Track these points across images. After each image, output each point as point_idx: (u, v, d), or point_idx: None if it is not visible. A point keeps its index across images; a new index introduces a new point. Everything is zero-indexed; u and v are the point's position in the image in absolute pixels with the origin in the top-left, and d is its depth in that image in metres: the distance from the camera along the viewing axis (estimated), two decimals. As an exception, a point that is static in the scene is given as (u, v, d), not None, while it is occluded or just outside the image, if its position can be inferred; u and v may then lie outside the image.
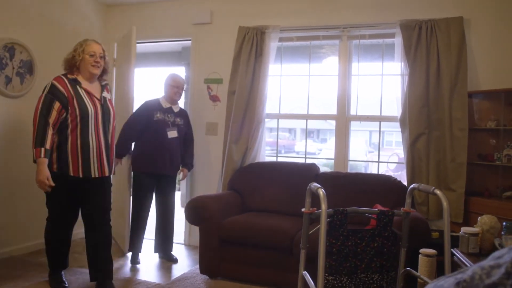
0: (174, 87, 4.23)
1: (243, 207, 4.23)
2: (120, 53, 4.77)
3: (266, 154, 4.80)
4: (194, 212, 3.80)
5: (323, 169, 4.55)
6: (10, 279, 3.57)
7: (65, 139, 3.08)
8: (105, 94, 3.32)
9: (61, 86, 3.09)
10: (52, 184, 3.02)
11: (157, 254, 4.41)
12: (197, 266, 3.91)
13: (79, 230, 3.92)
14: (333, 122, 4.51)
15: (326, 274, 2.41)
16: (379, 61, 4.43)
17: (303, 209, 2.45)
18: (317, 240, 2.25)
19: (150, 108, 4.17)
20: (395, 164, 6.43)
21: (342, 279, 2.45)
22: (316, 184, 2.31)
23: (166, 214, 4.34)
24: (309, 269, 2.59)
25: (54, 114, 3.02)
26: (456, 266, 2.74)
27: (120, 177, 4.32)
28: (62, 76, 3.15)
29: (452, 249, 2.86)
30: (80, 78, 3.20)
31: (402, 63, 4.10)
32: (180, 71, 6.36)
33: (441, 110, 3.96)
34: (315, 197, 2.50)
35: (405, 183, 4.08)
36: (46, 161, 2.99)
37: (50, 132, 3.00)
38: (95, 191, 3.27)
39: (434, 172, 3.97)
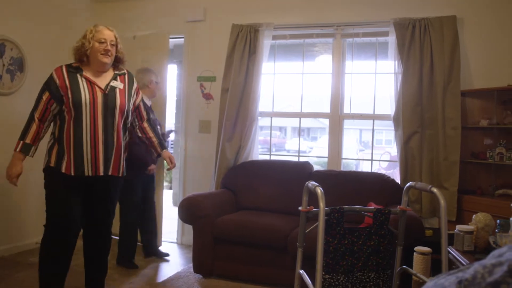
0: (157, 82, 4.21)
1: (236, 206, 4.21)
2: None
3: (258, 152, 4.79)
4: (188, 211, 3.77)
5: (316, 167, 4.55)
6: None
7: (62, 132, 2.78)
8: (114, 83, 2.90)
9: (57, 75, 2.79)
10: (16, 184, 2.83)
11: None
12: (191, 265, 3.89)
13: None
14: (324, 121, 4.52)
15: (323, 273, 2.40)
16: (372, 60, 4.44)
17: (300, 208, 2.44)
18: (314, 238, 2.25)
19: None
20: (387, 162, 6.45)
21: (338, 277, 2.44)
22: (313, 182, 2.30)
23: (147, 211, 4.27)
24: (305, 268, 2.58)
25: (41, 105, 2.77)
26: (451, 263, 2.75)
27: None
28: (63, 65, 2.85)
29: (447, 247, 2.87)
30: (87, 68, 2.85)
31: (396, 62, 4.11)
32: (172, 69, 6.32)
33: (434, 108, 3.98)
34: (311, 195, 2.49)
35: (398, 181, 4.09)
36: (21, 156, 2.77)
37: (34, 125, 2.77)
38: (98, 193, 2.95)
39: (427, 170, 3.99)
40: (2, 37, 4.09)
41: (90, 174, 2.79)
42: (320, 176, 4.12)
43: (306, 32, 4.53)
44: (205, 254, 3.76)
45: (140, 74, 4.09)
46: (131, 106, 3.02)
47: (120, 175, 2.96)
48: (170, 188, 8.01)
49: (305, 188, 2.45)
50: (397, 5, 4.19)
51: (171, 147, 6.75)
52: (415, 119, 3.99)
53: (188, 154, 4.92)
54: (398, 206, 2.68)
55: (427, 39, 3.97)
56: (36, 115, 2.78)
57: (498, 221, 2.76)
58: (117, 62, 2.98)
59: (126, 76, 3.00)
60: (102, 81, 2.85)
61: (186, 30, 4.91)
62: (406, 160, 4.05)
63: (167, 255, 4.35)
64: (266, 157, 4.84)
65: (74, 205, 2.85)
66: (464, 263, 2.56)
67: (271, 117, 4.79)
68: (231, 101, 4.48)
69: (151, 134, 3.20)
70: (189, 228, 4.13)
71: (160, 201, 4.65)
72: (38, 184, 3.17)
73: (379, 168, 6.14)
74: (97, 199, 2.96)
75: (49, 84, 2.79)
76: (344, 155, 4.53)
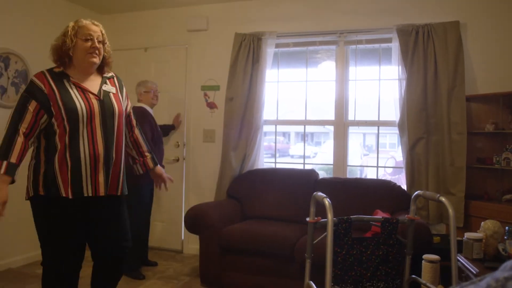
0: (148, 93, 4.25)
1: (242, 215, 4.20)
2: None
3: (263, 160, 4.79)
4: (194, 221, 3.77)
5: (321, 173, 4.54)
6: (8, 292, 3.52)
7: (53, 150, 2.29)
8: (106, 87, 2.48)
9: (40, 81, 2.31)
10: (3, 214, 2.28)
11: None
12: (197, 274, 3.88)
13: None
14: (328, 126, 4.51)
15: (332, 284, 2.39)
16: (376, 65, 4.44)
17: (307, 219, 2.43)
18: (322, 249, 2.24)
19: (151, 117, 4.18)
20: (393, 168, 6.42)
21: (347, 288, 2.43)
22: (321, 193, 2.29)
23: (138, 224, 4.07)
24: (313, 278, 2.57)
25: (28, 117, 2.25)
26: (460, 271, 2.74)
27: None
28: (45, 71, 2.38)
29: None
30: (71, 72, 2.39)
31: (400, 68, 4.10)
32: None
33: (439, 114, 3.97)
34: (318, 205, 2.48)
35: (403, 186, 4.08)
36: (7, 179, 2.21)
37: (19, 141, 2.23)
38: (102, 217, 2.47)
39: (434, 176, 3.97)
40: (7, 50, 4.11)
41: (90, 195, 2.35)
42: (325, 184, 4.11)
43: (309, 40, 4.53)
44: (212, 265, 3.75)
45: (136, 88, 4.31)
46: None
47: (120, 193, 2.52)
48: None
49: (312, 199, 2.44)
50: (399, 11, 4.19)
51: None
52: (420, 125, 3.98)
53: (193, 164, 4.92)
54: (406, 215, 2.66)
55: (430, 45, 3.97)
56: (22, 129, 2.26)
57: (507, 228, 2.75)
58: (103, 64, 2.53)
59: (115, 79, 2.60)
60: (92, 86, 2.43)
61: (189, 39, 4.92)
62: (412, 166, 4.03)
63: (156, 264, 4.38)
64: (271, 164, 4.84)
65: (76, 240, 2.40)
66: (474, 271, 2.54)
67: (276, 125, 4.79)
68: (235, 109, 4.48)
69: (143, 146, 2.73)
70: (193, 237, 4.12)
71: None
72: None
73: (385, 173, 6.12)
74: (102, 224, 2.47)
75: (32, 92, 2.29)
76: (349, 159, 4.52)
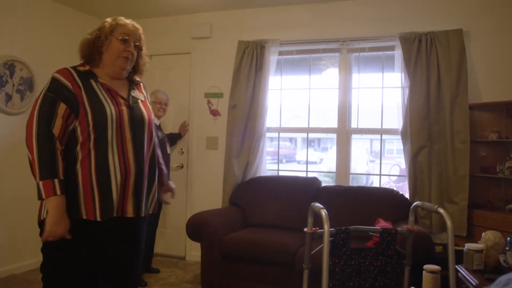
0: (156, 103, 4.28)
1: (244, 222, 4.20)
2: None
3: (267, 164, 4.79)
4: (195, 229, 3.78)
5: (326, 180, 4.53)
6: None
7: (73, 162, 1.92)
8: (134, 93, 2.15)
9: (66, 79, 1.95)
10: (69, 237, 1.87)
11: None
12: (199, 282, 3.88)
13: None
14: (331, 134, 4.53)
15: (330, 294, 2.38)
16: (379, 73, 4.43)
17: (305, 229, 2.43)
18: (320, 259, 2.23)
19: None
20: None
21: (345, 299, 2.42)
22: (318, 204, 2.29)
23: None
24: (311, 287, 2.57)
25: (58, 123, 1.88)
26: (461, 283, 2.72)
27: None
28: (69, 68, 2.02)
29: (456, 266, 2.84)
30: (98, 72, 2.06)
31: (402, 76, 4.09)
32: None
33: (442, 122, 3.95)
34: (317, 215, 2.48)
35: (407, 195, 4.06)
36: (63, 200, 1.85)
37: (58, 149, 1.88)
38: (119, 240, 2.05)
39: (437, 185, 3.95)
40: (12, 58, 4.16)
41: (117, 215, 1.98)
42: (328, 192, 4.11)
43: (312, 48, 4.53)
44: (213, 272, 3.75)
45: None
46: None
47: (154, 211, 2.22)
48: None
49: (310, 209, 2.44)
50: (402, 19, 4.18)
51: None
52: (423, 133, 3.96)
53: (196, 171, 4.93)
54: (404, 226, 2.65)
55: (433, 52, 3.95)
56: (57, 134, 1.89)
57: (508, 238, 2.72)
58: (134, 71, 2.21)
59: (142, 87, 2.27)
60: (121, 90, 2.10)
61: (193, 47, 4.95)
62: (415, 175, 4.02)
63: (158, 271, 4.39)
64: (275, 170, 4.85)
65: (92, 273, 1.99)
66: (474, 283, 2.52)
67: (279, 132, 4.79)
68: (238, 117, 4.49)
69: (161, 161, 2.36)
70: (195, 244, 4.13)
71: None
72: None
73: (389, 181, 6.09)
74: (115, 248, 2.04)
75: (59, 92, 1.92)
76: (354, 166, 4.52)
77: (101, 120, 1.94)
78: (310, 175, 4.59)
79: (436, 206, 2.33)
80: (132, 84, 2.17)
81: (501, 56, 3.92)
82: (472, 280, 2.56)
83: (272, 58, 4.49)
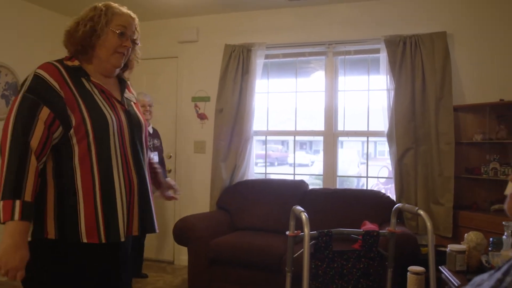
0: (140, 107, 4.15)
1: (232, 226, 4.20)
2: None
3: (257, 166, 4.80)
4: (182, 233, 3.77)
5: (316, 182, 4.54)
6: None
7: (70, 178, 1.61)
8: (127, 94, 1.87)
9: (53, 77, 1.62)
10: (21, 277, 1.51)
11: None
12: (187, 286, 3.87)
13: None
14: (318, 136, 4.54)
15: (312, 297, 2.38)
16: (365, 75, 4.45)
17: (287, 232, 2.43)
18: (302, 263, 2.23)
19: None
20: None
21: (328, 301, 2.42)
22: (299, 207, 2.30)
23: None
24: (296, 291, 2.57)
25: (38, 130, 1.54)
26: (444, 284, 2.73)
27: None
28: (55, 63, 1.69)
29: (440, 267, 2.85)
30: (88, 69, 1.73)
31: (388, 78, 4.11)
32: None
33: (427, 124, 3.97)
34: (299, 218, 2.48)
35: (394, 197, 4.08)
36: (24, 227, 1.49)
37: (32, 165, 1.52)
38: (118, 265, 1.78)
39: (422, 186, 3.97)
40: (-3, 64, 4.14)
41: (124, 237, 1.69)
42: (315, 195, 4.12)
43: (298, 51, 4.55)
44: (200, 276, 3.74)
45: None
46: None
47: (158, 230, 1.90)
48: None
49: (291, 213, 2.44)
50: (387, 22, 4.21)
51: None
52: (409, 135, 3.98)
53: (183, 175, 4.92)
54: (386, 228, 2.66)
55: (418, 55, 3.98)
56: (34, 145, 1.53)
57: (491, 239, 2.74)
58: (125, 68, 1.90)
59: (130, 86, 1.96)
60: (113, 91, 1.79)
61: (180, 51, 4.95)
62: (401, 177, 4.04)
63: (146, 276, 4.37)
64: (267, 171, 4.86)
65: None
66: (456, 284, 2.53)
67: (266, 136, 4.80)
68: (225, 120, 4.50)
69: (156, 165, 2.10)
70: (185, 248, 4.11)
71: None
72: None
73: (378, 183, 6.11)
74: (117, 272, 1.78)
75: (42, 94, 1.58)
76: (345, 168, 4.54)
77: (103, 130, 1.65)
78: (299, 177, 4.59)
79: (416, 208, 2.35)
80: (123, 83, 1.85)
81: (484, 58, 3.95)
82: (455, 281, 2.57)
83: (259, 62, 4.50)
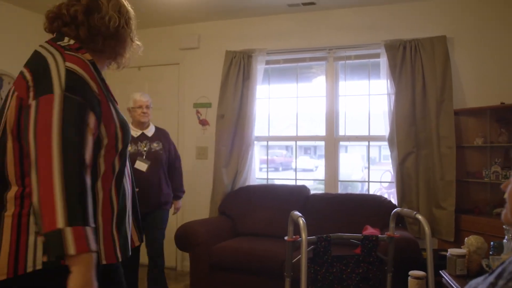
0: (136, 108, 3.64)
1: (234, 232, 4.20)
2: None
3: (261, 172, 4.80)
4: (184, 239, 3.78)
5: (320, 187, 4.54)
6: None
7: (92, 201, 1.29)
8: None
9: (89, 75, 1.32)
10: None
11: None
12: (189, 293, 3.88)
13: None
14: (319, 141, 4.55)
15: (312, 303, 2.39)
16: (366, 80, 4.46)
17: (286, 237, 2.44)
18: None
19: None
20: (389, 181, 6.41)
21: (328, 307, 2.43)
22: (297, 212, 2.30)
23: (153, 258, 3.64)
24: (296, 297, 2.57)
25: (89, 140, 1.27)
26: (444, 288, 2.72)
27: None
28: (81, 57, 1.36)
29: (440, 271, 2.84)
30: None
31: (388, 82, 4.12)
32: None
33: (428, 128, 3.97)
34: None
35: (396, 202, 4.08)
36: (95, 256, 1.21)
37: (88, 184, 1.24)
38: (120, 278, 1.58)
39: (424, 190, 3.96)
40: (0, 72, 4.18)
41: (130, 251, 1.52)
42: (316, 200, 4.12)
43: (299, 56, 4.57)
44: (202, 282, 3.75)
45: None
46: None
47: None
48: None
49: (290, 218, 2.45)
50: (387, 27, 4.22)
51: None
52: (410, 139, 3.98)
53: (185, 181, 4.90)
54: (385, 233, 2.66)
55: (418, 59, 3.99)
56: (88, 160, 1.26)
57: (492, 243, 2.73)
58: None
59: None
60: None
61: (181, 57, 4.98)
62: (403, 181, 4.03)
63: None
64: (271, 176, 4.86)
65: None
66: (456, 288, 2.52)
67: (267, 141, 4.82)
68: (226, 126, 4.51)
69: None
70: (187, 254, 4.13)
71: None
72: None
73: (381, 187, 6.11)
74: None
75: (84, 94, 1.28)
76: (350, 172, 4.54)
77: (127, 143, 1.43)
78: (301, 183, 4.60)
79: (415, 213, 2.35)
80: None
81: (484, 61, 3.95)
82: (455, 285, 2.56)
83: (259, 68, 4.52)
